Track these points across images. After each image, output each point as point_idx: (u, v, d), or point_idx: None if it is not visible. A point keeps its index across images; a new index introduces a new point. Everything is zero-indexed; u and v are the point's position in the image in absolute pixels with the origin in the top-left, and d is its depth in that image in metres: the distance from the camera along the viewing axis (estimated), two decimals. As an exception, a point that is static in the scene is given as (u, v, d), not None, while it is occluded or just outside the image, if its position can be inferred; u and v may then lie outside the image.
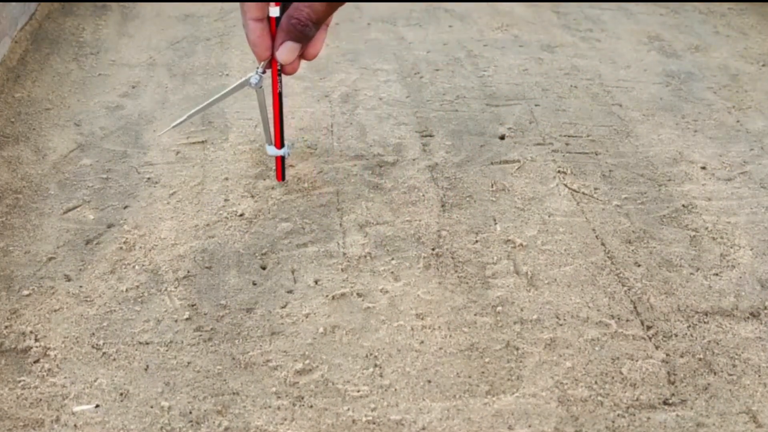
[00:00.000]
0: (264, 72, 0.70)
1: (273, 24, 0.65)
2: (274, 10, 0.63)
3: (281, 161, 0.79)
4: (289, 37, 0.63)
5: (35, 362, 0.59)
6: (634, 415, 0.56)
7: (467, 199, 0.80)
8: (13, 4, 1.10)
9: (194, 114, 0.75)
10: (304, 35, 0.62)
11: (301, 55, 0.67)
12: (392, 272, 0.69)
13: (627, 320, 0.64)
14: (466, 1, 1.39)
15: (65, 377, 0.58)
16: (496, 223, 0.76)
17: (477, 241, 0.74)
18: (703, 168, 0.87)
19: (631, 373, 0.59)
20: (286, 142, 0.77)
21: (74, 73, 1.07)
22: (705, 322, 0.64)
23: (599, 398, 0.57)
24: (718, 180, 0.85)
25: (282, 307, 0.65)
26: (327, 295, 0.66)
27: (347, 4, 1.36)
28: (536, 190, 0.82)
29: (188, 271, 0.69)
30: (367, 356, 0.60)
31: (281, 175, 0.80)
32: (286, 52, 0.63)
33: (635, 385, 0.58)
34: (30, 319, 0.63)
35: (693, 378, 0.59)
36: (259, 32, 0.63)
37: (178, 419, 0.55)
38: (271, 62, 0.69)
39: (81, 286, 0.67)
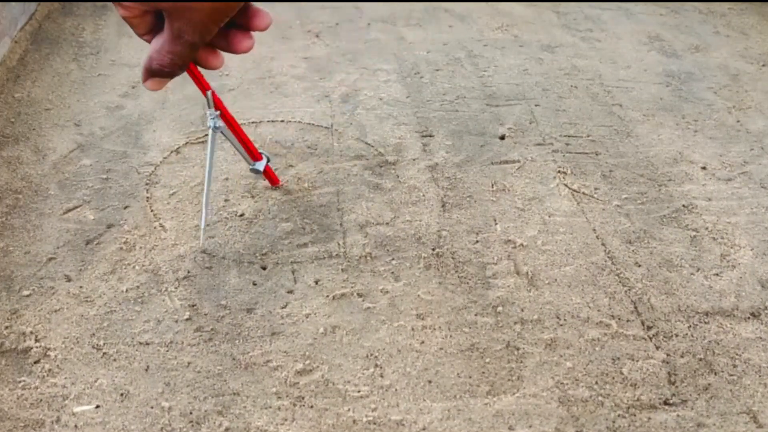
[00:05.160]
0: (216, 110, 0.69)
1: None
2: None
3: (269, 169, 0.79)
4: (154, 76, 0.57)
5: (35, 363, 0.59)
6: (635, 415, 0.56)
7: (467, 199, 0.80)
8: (13, 4, 1.10)
9: (206, 203, 0.72)
10: (171, 74, 0.57)
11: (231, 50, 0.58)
12: (392, 272, 0.69)
13: (627, 320, 0.64)
14: (466, 1, 1.39)
15: (65, 378, 0.58)
16: (496, 223, 0.76)
17: (477, 241, 0.74)
18: (704, 168, 0.87)
19: (631, 374, 0.59)
20: (260, 150, 0.76)
21: (74, 73, 1.07)
22: (705, 323, 0.64)
23: (600, 398, 0.57)
24: (719, 180, 0.85)
25: (282, 308, 0.65)
26: (327, 296, 0.66)
27: (347, 4, 1.36)
28: (536, 190, 0.82)
29: (188, 272, 0.69)
30: (367, 356, 0.60)
31: (276, 179, 0.80)
32: (151, 84, 0.57)
33: (636, 385, 0.58)
34: (30, 319, 0.63)
35: (693, 378, 0.59)
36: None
37: (179, 419, 0.55)
38: (212, 99, 0.68)
39: (81, 287, 0.67)
